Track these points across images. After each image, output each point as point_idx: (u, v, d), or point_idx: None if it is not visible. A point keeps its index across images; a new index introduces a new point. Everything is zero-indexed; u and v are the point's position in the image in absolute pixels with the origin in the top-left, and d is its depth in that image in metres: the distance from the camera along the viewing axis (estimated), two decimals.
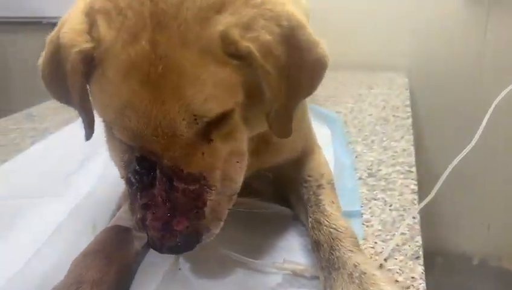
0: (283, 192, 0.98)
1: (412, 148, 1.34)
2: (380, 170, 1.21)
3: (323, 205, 0.83)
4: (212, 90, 0.62)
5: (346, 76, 2.13)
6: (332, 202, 0.84)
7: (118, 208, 0.89)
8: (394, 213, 0.99)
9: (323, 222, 0.78)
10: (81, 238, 0.81)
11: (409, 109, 1.67)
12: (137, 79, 0.60)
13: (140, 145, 0.64)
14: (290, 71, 0.67)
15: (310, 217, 0.82)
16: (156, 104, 0.60)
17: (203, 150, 0.66)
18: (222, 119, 0.66)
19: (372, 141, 1.39)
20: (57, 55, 0.67)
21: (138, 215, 0.65)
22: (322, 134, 1.37)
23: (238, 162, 0.73)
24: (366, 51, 2.22)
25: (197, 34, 0.60)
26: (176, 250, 0.66)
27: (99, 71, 0.63)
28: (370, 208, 1.02)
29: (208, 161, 0.66)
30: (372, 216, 0.98)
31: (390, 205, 1.03)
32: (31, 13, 2.56)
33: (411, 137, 1.42)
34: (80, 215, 0.94)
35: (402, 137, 1.41)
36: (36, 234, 0.90)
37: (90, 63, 0.64)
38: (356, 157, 1.29)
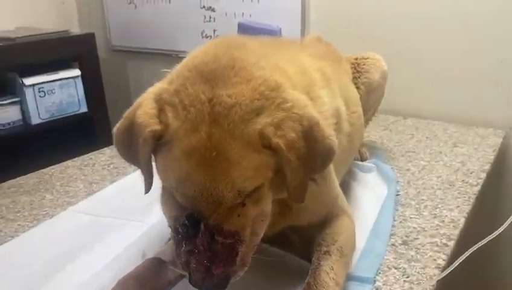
0: (307, 252, 1.12)
1: (463, 220, 1.36)
2: (417, 239, 1.27)
3: (320, 270, 0.97)
4: (251, 172, 0.83)
5: (436, 129, 2.14)
6: (332, 269, 0.97)
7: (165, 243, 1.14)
8: (406, 285, 1.07)
9: (312, 287, 0.92)
10: (132, 264, 1.06)
11: (483, 175, 1.66)
12: (196, 159, 0.81)
13: (192, 207, 0.85)
14: (307, 158, 0.89)
15: (307, 279, 0.96)
16: (209, 180, 0.81)
17: (238, 213, 0.86)
18: (256, 189, 0.87)
19: (425, 207, 1.44)
20: (131, 129, 0.88)
21: (183, 259, 0.86)
22: (377, 193, 1.48)
23: (262, 220, 0.93)
24: (458, 102, 2.19)
25: (241, 131, 0.82)
26: (212, 288, 0.84)
27: (167, 148, 0.84)
28: (386, 276, 1.11)
29: (241, 221, 0.87)
30: (384, 285, 1.08)
31: (407, 277, 1.11)
32: (163, 46, 3.04)
33: (468, 207, 1.44)
34: (137, 243, 1.21)
35: (458, 206, 1.44)
36: (113, 249, 1.20)
37: (157, 141, 0.86)
38: (400, 222, 1.36)
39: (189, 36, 2.96)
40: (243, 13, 2.77)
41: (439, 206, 1.44)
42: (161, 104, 0.87)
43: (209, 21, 2.90)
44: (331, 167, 1.13)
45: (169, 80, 0.91)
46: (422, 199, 1.49)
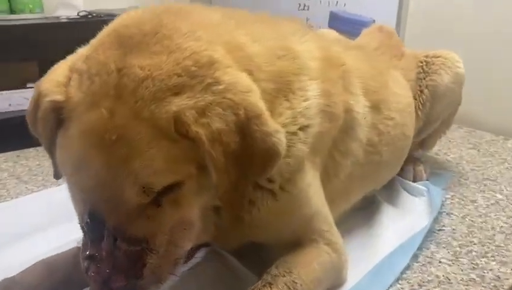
0: None
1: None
2: None
3: None
4: (162, 164, 0.66)
5: None
6: None
7: None
8: None
9: None
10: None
11: None
12: (92, 141, 0.65)
13: (91, 203, 0.70)
14: (240, 157, 0.69)
15: None
16: (106, 169, 0.65)
17: (149, 214, 0.69)
18: (172, 187, 0.69)
19: (468, 252, 1.10)
20: (38, 100, 0.73)
21: (84, 264, 0.71)
22: (412, 223, 1.19)
23: (185, 229, 0.75)
24: None
25: (151, 112, 0.65)
26: None
27: (64, 126, 0.70)
28: None
29: (153, 225, 0.70)
30: None
31: None
32: None
33: None
34: None
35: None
36: None
37: (61, 113, 0.71)
38: (422, 265, 1.05)
39: None
40: (337, 2, 2.52)
41: (489, 255, 1.09)
42: (71, 72, 0.73)
43: (303, 9, 2.71)
44: (309, 177, 0.89)
45: (89, 45, 0.76)
46: (471, 242, 1.15)
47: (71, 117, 0.69)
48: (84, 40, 0.79)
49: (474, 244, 1.13)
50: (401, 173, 1.43)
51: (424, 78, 1.38)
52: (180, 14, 0.76)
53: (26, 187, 1.39)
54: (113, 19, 0.79)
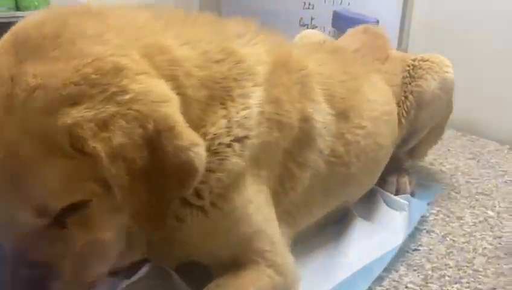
0: None
1: None
2: None
3: None
4: (57, 183, 0.60)
5: None
6: None
7: None
8: None
9: None
10: None
11: None
12: None
13: None
14: (152, 174, 0.62)
15: None
16: None
17: (52, 237, 0.63)
18: (77, 207, 0.63)
19: (441, 277, 1.00)
20: None
21: None
22: (388, 242, 1.09)
23: (98, 251, 0.68)
24: None
25: (41, 125, 0.59)
26: None
27: None
28: None
29: (57, 248, 0.64)
30: None
31: None
32: None
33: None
34: None
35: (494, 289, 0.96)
36: None
37: None
38: None
39: (287, 24, 2.71)
40: (341, 1, 2.42)
41: (463, 281, 0.99)
42: None
43: (308, 8, 2.62)
44: (249, 192, 0.81)
45: None
46: (446, 265, 1.04)
47: None
48: None
49: (450, 267, 1.03)
50: (384, 185, 1.33)
51: (410, 84, 1.28)
52: (90, 15, 0.69)
53: None
54: None
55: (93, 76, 0.60)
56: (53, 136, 0.58)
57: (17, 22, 0.69)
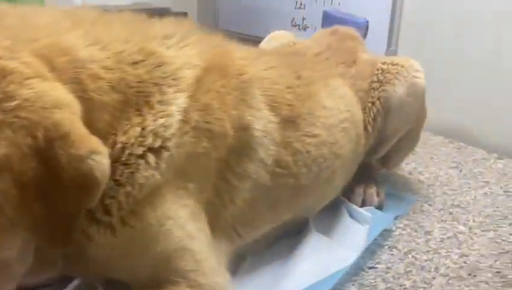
0: None
1: None
2: None
3: None
4: None
5: None
6: None
7: None
8: None
9: None
10: None
11: None
12: None
13: None
14: (46, 187, 0.57)
15: None
16: None
17: None
18: None
19: None
20: None
21: None
22: (343, 256, 1.02)
23: (2, 269, 0.63)
24: None
25: None
26: None
27: None
28: None
29: None
30: None
31: None
32: (253, 32, 2.77)
33: None
34: None
35: None
36: None
37: None
38: None
39: (278, 24, 2.64)
40: (331, 1, 2.35)
41: None
42: None
43: (300, 7, 2.55)
44: (166, 207, 0.75)
45: None
46: (402, 285, 0.97)
47: None
48: None
49: (405, 289, 0.96)
50: (351, 195, 1.26)
51: (377, 89, 1.20)
52: None
53: None
54: None
55: None
56: None
57: None
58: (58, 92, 0.60)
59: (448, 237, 1.15)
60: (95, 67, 0.67)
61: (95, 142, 0.60)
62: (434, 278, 0.99)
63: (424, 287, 0.96)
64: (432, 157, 1.63)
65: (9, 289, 0.67)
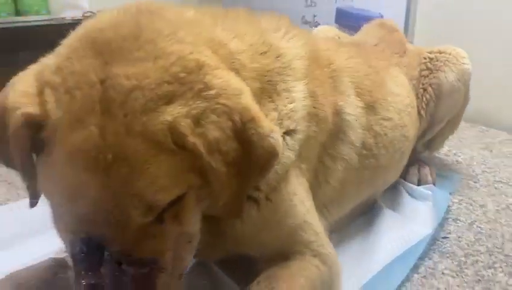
0: None
1: None
2: None
3: None
4: (164, 180, 0.60)
5: None
6: None
7: None
8: None
9: None
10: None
11: None
12: (85, 165, 0.58)
13: (88, 231, 0.62)
14: (240, 164, 0.65)
15: None
16: (106, 193, 0.58)
17: (154, 233, 0.64)
18: (174, 201, 0.64)
19: (475, 263, 1.02)
20: (2, 116, 0.63)
21: None
22: (415, 230, 1.11)
23: (189, 242, 0.70)
24: None
25: (143, 124, 0.59)
26: None
27: (46, 151, 0.61)
28: None
29: (159, 243, 0.65)
30: None
31: None
32: None
33: None
34: None
35: None
36: None
37: (38, 132, 0.61)
38: (423, 277, 0.98)
39: None
40: None
41: (496, 265, 1.01)
42: (41, 84, 0.63)
43: (311, 5, 2.64)
44: (293, 185, 0.83)
45: (56, 53, 0.67)
46: (477, 251, 1.07)
47: (52, 140, 0.60)
48: None
49: (481, 253, 1.05)
50: (406, 176, 1.35)
51: (428, 76, 1.30)
52: (156, 13, 0.70)
53: (18, 193, 1.36)
54: None
55: (181, 74, 0.62)
56: (155, 134, 0.59)
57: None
58: (236, 80, 0.67)
59: (503, 209, 1.25)
60: (242, 58, 0.74)
61: (270, 123, 0.68)
62: (503, 243, 1.09)
63: (498, 251, 1.06)
64: (461, 141, 1.74)
65: (190, 260, 0.73)
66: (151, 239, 0.63)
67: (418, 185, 1.33)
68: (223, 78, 0.64)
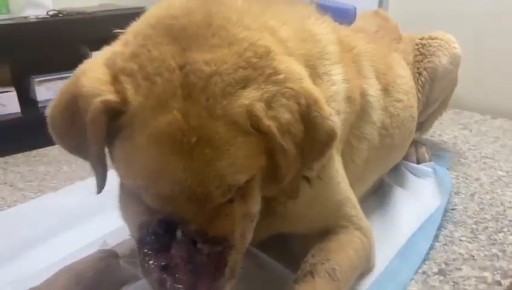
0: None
1: None
2: (460, 269, 0.97)
3: None
4: (242, 160, 0.63)
5: None
6: None
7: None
8: None
9: None
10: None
11: None
12: (170, 147, 0.60)
13: (168, 210, 0.64)
14: (304, 144, 0.68)
15: None
16: (190, 173, 0.61)
17: (226, 212, 0.67)
18: (245, 182, 0.66)
19: (485, 229, 1.11)
20: (73, 105, 0.65)
21: (156, 276, 0.65)
22: (425, 204, 1.19)
23: (252, 221, 0.73)
24: None
25: (224, 108, 0.62)
26: None
27: (126, 133, 0.63)
28: None
29: (229, 222, 0.67)
30: None
31: None
32: None
33: None
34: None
35: None
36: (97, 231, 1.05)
37: (114, 119, 0.62)
38: (444, 244, 1.06)
39: None
40: None
41: (505, 230, 1.11)
42: (115, 72, 0.64)
43: None
44: (336, 163, 0.88)
45: (124, 41, 0.68)
46: (484, 218, 1.16)
47: (134, 124, 0.62)
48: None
49: (488, 220, 1.15)
50: (405, 155, 1.43)
51: (422, 61, 1.39)
52: (220, 1, 0.72)
53: (23, 194, 1.32)
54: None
55: (254, 60, 0.65)
56: (235, 117, 0.62)
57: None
58: (297, 65, 0.71)
59: (495, 180, 1.36)
60: (291, 45, 0.78)
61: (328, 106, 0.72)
62: (505, 210, 1.19)
63: (502, 217, 1.16)
64: (442, 123, 1.85)
65: (250, 239, 0.75)
66: (224, 218, 0.66)
67: (417, 163, 1.42)
68: (287, 64, 0.67)
